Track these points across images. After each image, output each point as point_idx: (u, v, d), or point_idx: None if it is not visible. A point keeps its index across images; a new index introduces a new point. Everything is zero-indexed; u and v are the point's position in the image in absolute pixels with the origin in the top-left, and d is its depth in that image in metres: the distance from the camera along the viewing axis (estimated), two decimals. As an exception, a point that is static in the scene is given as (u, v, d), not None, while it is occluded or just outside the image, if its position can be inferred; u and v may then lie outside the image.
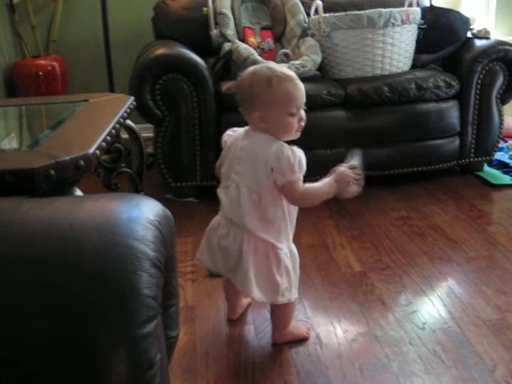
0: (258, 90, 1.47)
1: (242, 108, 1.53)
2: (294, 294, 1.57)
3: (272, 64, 1.58)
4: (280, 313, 1.64)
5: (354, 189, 1.51)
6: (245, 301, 1.82)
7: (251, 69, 1.53)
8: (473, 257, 2.13)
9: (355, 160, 1.55)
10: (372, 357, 1.58)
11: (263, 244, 1.51)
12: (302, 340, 1.66)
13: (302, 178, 1.46)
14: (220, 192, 1.58)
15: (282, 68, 1.52)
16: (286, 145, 1.47)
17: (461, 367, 1.53)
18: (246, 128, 1.57)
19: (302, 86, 1.51)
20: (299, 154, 1.45)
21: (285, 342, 1.65)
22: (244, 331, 1.73)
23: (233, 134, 1.60)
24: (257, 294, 1.51)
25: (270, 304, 1.64)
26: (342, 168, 1.51)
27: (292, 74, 1.51)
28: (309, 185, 1.48)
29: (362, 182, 1.51)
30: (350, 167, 1.52)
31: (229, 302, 1.78)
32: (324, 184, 1.49)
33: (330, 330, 1.71)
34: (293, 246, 1.59)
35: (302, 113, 1.51)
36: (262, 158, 1.46)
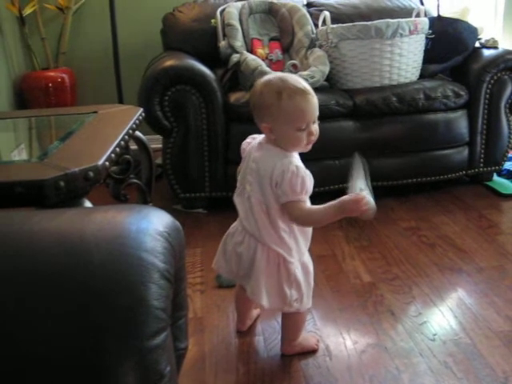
0: (268, 102, 1.44)
1: (254, 117, 1.51)
2: (305, 305, 1.56)
3: (287, 75, 1.52)
4: (290, 324, 1.63)
5: (368, 213, 1.39)
6: (254, 312, 1.81)
7: (265, 78, 1.49)
8: (483, 267, 2.11)
9: (358, 174, 1.44)
10: (382, 368, 1.57)
11: (275, 255, 1.51)
12: (311, 352, 1.66)
13: (305, 198, 1.43)
14: (236, 200, 1.58)
15: (297, 80, 1.46)
16: (294, 162, 1.44)
17: (472, 379, 1.51)
18: (261, 138, 1.56)
19: (314, 100, 1.45)
20: (303, 175, 1.42)
21: (294, 354, 1.64)
22: (253, 342, 1.72)
23: (251, 142, 1.59)
24: (266, 302, 1.50)
25: (281, 316, 1.64)
26: (348, 197, 1.41)
27: (305, 87, 1.45)
28: (312, 207, 1.44)
29: (371, 205, 1.39)
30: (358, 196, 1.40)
31: (238, 313, 1.78)
32: (329, 208, 1.42)
33: (340, 342, 1.70)
34: (306, 259, 1.58)
35: (313, 127, 1.46)
36: (268, 171, 1.45)
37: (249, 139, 1.62)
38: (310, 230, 1.57)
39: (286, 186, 1.41)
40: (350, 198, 1.40)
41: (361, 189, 1.41)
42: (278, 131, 1.46)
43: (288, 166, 1.42)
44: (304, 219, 1.46)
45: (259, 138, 1.58)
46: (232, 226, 1.63)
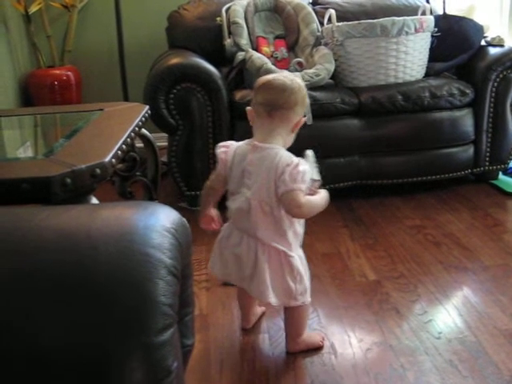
0: (304, 93, 1.53)
1: (287, 114, 1.50)
2: (308, 297, 1.58)
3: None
4: (295, 319, 1.63)
5: None
6: (258, 309, 1.82)
7: (285, 76, 1.55)
8: (488, 265, 2.11)
9: (308, 161, 1.53)
10: (387, 366, 1.57)
11: (276, 252, 1.52)
12: (316, 349, 1.65)
13: (303, 190, 1.45)
14: (230, 205, 1.58)
15: None
16: (293, 156, 1.48)
17: (477, 377, 1.51)
18: (247, 141, 1.56)
19: None
20: (304, 166, 1.45)
21: (299, 351, 1.64)
22: (258, 340, 1.73)
23: (229, 150, 1.57)
24: (273, 300, 1.51)
25: (284, 312, 1.64)
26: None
27: None
28: (309, 197, 1.47)
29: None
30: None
31: (242, 311, 1.78)
32: (320, 198, 1.50)
33: (345, 340, 1.70)
34: (301, 252, 1.59)
35: None
36: (273, 169, 1.46)
37: (223, 148, 1.59)
38: (303, 222, 1.59)
39: (287, 176, 1.43)
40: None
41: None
42: (301, 120, 1.53)
43: (291, 158, 1.46)
44: (306, 207, 1.46)
45: (237, 143, 1.58)
46: (224, 228, 1.63)
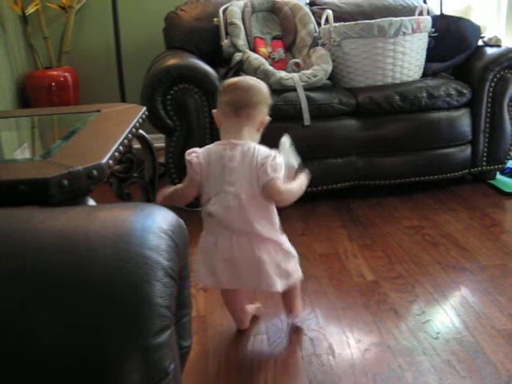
0: (266, 94, 1.62)
1: (259, 112, 1.59)
2: (299, 272, 1.67)
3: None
4: (293, 297, 1.74)
5: None
6: (248, 308, 1.81)
7: (254, 79, 1.66)
8: (486, 265, 2.11)
9: (285, 148, 1.61)
10: (385, 367, 1.57)
11: (270, 243, 1.57)
12: (314, 350, 1.66)
13: (281, 179, 1.52)
14: (213, 208, 1.57)
15: None
16: (269, 149, 1.56)
17: (475, 378, 1.51)
18: (218, 142, 1.58)
19: None
20: (281, 158, 1.54)
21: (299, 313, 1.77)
22: (257, 341, 1.72)
23: (200, 154, 1.57)
24: (279, 286, 1.57)
25: (282, 298, 1.75)
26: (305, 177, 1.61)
27: None
28: (287, 184, 1.55)
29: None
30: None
31: (234, 315, 1.77)
32: (298, 184, 1.57)
33: (343, 340, 1.70)
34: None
35: None
36: (254, 163, 1.51)
37: (193, 154, 1.58)
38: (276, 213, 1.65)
39: (267, 167, 1.50)
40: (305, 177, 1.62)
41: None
42: (265, 119, 1.62)
43: (269, 151, 1.53)
44: (286, 193, 1.54)
45: (208, 147, 1.59)
46: (203, 241, 1.63)
